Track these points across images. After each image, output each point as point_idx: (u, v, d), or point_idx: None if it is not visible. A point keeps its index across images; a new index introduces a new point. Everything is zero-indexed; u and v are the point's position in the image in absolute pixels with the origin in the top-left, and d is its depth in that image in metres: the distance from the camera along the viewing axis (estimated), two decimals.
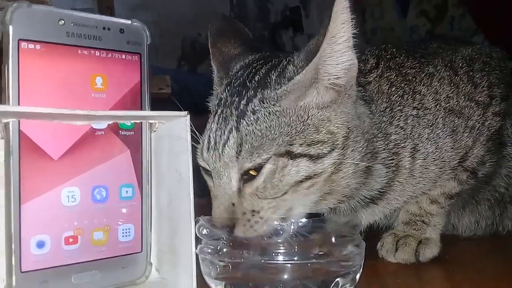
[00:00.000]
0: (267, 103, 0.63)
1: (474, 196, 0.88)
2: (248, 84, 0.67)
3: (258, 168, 0.61)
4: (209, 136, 0.65)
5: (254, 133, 0.61)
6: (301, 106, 0.63)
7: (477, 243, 0.92)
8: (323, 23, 0.62)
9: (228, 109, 0.65)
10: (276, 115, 0.62)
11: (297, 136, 0.62)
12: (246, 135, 0.61)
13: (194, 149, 0.65)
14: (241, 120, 0.63)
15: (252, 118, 0.62)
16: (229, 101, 0.66)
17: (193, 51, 2.70)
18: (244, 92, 0.66)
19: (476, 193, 0.87)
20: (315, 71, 0.62)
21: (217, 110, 0.67)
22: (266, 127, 0.62)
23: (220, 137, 0.63)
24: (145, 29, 0.63)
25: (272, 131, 0.61)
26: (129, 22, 0.62)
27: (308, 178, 0.62)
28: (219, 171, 0.63)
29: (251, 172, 0.61)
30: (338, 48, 0.61)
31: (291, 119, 0.62)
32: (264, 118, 0.62)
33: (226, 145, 0.62)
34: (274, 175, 0.61)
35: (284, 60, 0.67)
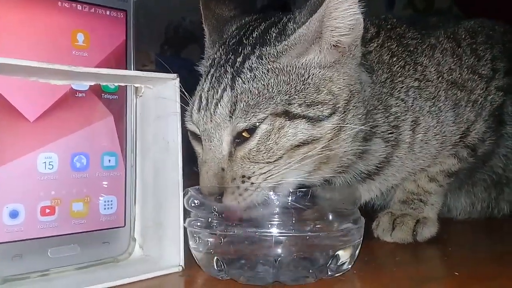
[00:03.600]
0: (266, 59, 0.59)
1: (471, 176, 0.86)
2: (245, 41, 0.63)
3: (252, 130, 0.57)
4: (201, 96, 0.61)
5: (251, 91, 0.57)
6: (302, 64, 0.59)
7: (472, 225, 0.90)
8: None
9: (222, 68, 0.61)
10: (275, 72, 0.58)
11: (296, 95, 0.58)
12: (242, 93, 0.57)
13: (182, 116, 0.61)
14: (237, 78, 0.58)
15: (248, 76, 0.58)
16: (223, 59, 0.62)
17: (176, 35, 2.64)
18: (240, 49, 0.62)
19: (473, 173, 0.85)
20: (320, 23, 0.58)
21: (209, 70, 0.63)
22: (263, 85, 0.58)
23: (213, 96, 0.59)
24: None
25: (270, 89, 0.57)
26: None
27: (305, 143, 0.58)
28: (210, 132, 0.59)
29: (244, 134, 0.57)
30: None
31: (291, 77, 0.59)
32: (262, 75, 0.58)
33: (219, 104, 0.58)
34: (270, 137, 0.57)
35: (284, 18, 0.63)
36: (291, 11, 0.65)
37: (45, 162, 0.54)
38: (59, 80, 0.54)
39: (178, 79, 0.59)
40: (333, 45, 0.59)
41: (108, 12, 0.58)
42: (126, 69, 0.59)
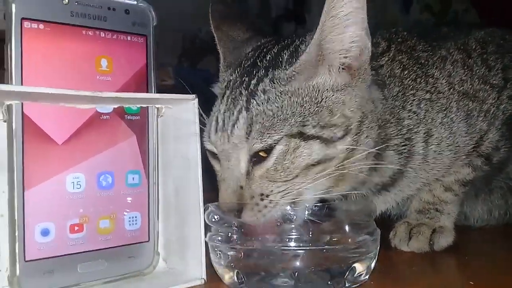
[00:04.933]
0: (278, 83, 0.61)
1: (487, 184, 0.86)
2: (259, 64, 0.65)
3: (269, 150, 0.59)
4: (217, 117, 0.63)
5: (265, 113, 0.59)
6: (313, 87, 0.61)
7: (489, 232, 0.90)
8: None
9: (237, 90, 0.63)
10: (288, 95, 0.60)
11: (310, 117, 0.59)
12: (257, 115, 0.59)
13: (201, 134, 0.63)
14: (252, 100, 0.60)
15: (262, 98, 0.60)
16: (238, 81, 0.64)
17: (193, 47, 2.67)
18: (254, 71, 0.64)
19: (489, 180, 0.85)
20: (319, 47, 0.60)
21: (225, 92, 0.65)
22: (277, 107, 0.60)
23: (229, 118, 0.61)
24: (151, 10, 0.61)
25: (284, 111, 0.59)
26: (135, 2, 0.60)
27: (320, 162, 0.60)
28: (228, 153, 0.61)
29: (260, 153, 0.59)
30: (337, 22, 0.58)
31: (304, 99, 0.60)
32: (275, 98, 0.60)
33: (235, 126, 0.60)
34: (286, 157, 0.59)
35: (297, 40, 0.65)
36: (305, 22, 0.67)
37: (73, 182, 0.57)
38: (84, 104, 0.57)
39: (197, 99, 0.61)
40: (342, 68, 0.61)
41: (129, 38, 0.60)
42: (147, 90, 0.61)
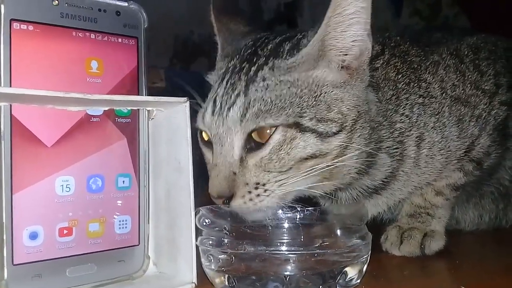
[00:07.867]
0: (278, 72, 0.62)
1: (478, 189, 0.86)
2: (260, 52, 0.66)
3: (263, 136, 0.59)
4: (215, 100, 0.63)
5: (263, 99, 0.60)
6: (313, 80, 0.62)
7: (480, 236, 0.90)
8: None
9: (237, 75, 0.64)
10: (287, 85, 0.61)
11: (307, 109, 0.60)
12: (254, 100, 0.60)
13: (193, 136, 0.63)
14: (250, 86, 0.61)
15: (261, 85, 0.61)
16: (238, 67, 0.65)
17: (185, 49, 2.67)
18: (255, 59, 0.64)
19: (480, 185, 0.85)
20: (322, 42, 0.61)
21: (224, 77, 0.66)
22: (276, 95, 0.60)
23: (226, 101, 0.62)
24: (142, 12, 0.61)
25: (282, 100, 0.60)
26: (126, 4, 0.60)
27: (313, 156, 0.60)
28: (222, 137, 0.61)
29: (254, 137, 0.60)
30: (342, 20, 0.59)
31: (303, 91, 0.61)
32: (274, 86, 0.61)
33: (231, 109, 0.60)
34: (282, 147, 0.59)
35: (299, 34, 0.66)
36: (298, 25, 0.68)
37: (62, 185, 0.56)
38: (74, 106, 0.56)
39: (188, 102, 0.61)
40: (341, 66, 0.62)
41: (120, 40, 0.60)
42: (138, 93, 0.61)
